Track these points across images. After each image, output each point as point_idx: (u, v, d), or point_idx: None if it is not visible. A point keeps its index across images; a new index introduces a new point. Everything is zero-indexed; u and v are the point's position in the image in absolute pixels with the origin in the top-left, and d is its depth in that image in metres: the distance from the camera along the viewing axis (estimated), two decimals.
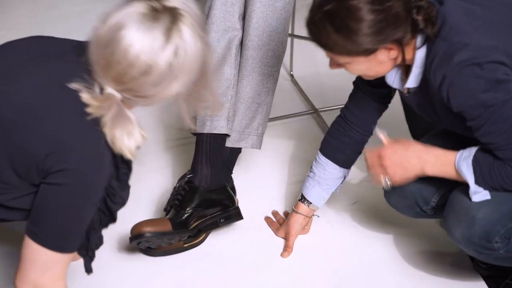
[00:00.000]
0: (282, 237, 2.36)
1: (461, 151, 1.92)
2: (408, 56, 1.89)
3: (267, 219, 2.43)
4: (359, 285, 2.23)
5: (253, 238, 2.37)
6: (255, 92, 2.35)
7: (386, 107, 2.25)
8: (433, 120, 2.02)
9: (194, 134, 2.36)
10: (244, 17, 2.35)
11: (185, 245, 2.28)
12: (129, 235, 2.20)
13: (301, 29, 3.24)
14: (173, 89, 1.65)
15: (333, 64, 1.94)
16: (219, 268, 2.26)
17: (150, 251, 2.25)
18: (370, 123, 2.24)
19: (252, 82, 2.34)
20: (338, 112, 2.86)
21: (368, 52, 1.84)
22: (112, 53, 1.60)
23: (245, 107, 2.35)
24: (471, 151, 1.90)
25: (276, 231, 2.38)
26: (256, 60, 2.33)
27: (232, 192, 2.34)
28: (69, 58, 1.68)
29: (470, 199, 1.92)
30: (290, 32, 2.94)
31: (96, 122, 1.63)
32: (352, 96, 2.26)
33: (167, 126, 2.76)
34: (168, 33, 1.60)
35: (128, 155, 1.66)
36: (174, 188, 2.31)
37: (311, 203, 2.30)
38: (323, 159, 2.27)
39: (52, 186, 1.64)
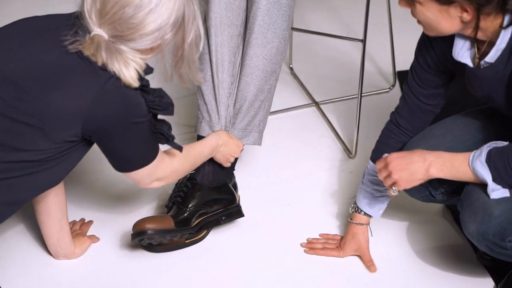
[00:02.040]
0: (353, 255, 2.26)
1: (473, 151, 1.91)
2: (483, 29, 1.86)
3: (310, 251, 2.29)
4: (364, 279, 2.22)
5: (254, 234, 2.36)
6: (258, 90, 2.34)
7: (437, 110, 2.17)
8: (489, 97, 1.98)
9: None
10: (246, 15, 2.33)
11: (186, 241, 2.27)
12: (131, 232, 2.19)
13: (300, 22, 3.26)
14: (150, 23, 1.76)
15: (404, 1, 1.90)
16: (220, 265, 2.25)
17: (151, 247, 2.24)
18: (422, 127, 2.18)
19: (256, 80, 2.33)
20: (338, 104, 2.88)
21: (444, 0, 1.82)
22: None
23: (248, 104, 2.34)
24: (482, 150, 1.89)
25: (338, 254, 2.27)
26: (260, 58, 2.32)
27: (233, 189, 2.33)
28: (61, 27, 1.81)
29: (488, 195, 1.89)
30: None
31: (104, 67, 1.78)
32: (402, 101, 2.19)
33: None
34: None
35: (132, 83, 1.79)
36: (176, 184, 2.30)
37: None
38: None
39: (106, 137, 1.86)
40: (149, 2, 1.75)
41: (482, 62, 1.92)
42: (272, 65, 2.34)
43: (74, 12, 1.83)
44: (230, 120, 2.33)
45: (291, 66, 3.07)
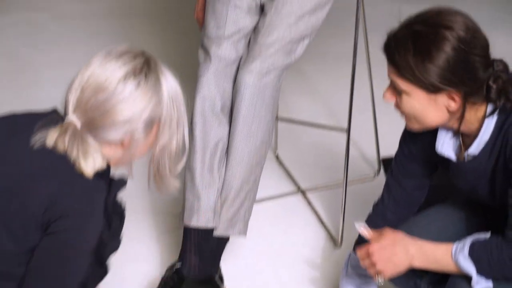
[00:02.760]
0: None
1: (455, 244, 1.92)
2: (466, 121, 1.88)
3: None
4: None
5: None
6: (244, 181, 2.35)
7: (422, 199, 2.20)
8: (473, 189, 2.00)
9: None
10: (229, 113, 2.36)
11: None
12: None
13: (284, 107, 3.29)
14: (120, 112, 1.73)
15: (389, 93, 1.91)
16: None
17: None
18: (407, 218, 2.19)
19: (241, 171, 2.34)
20: (323, 192, 2.89)
21: (432, 89, 1.83)
22: (80, 79, 1.75)
23: (234, 196, 2.35)
24: (464, 243, 1.91)
25: None
26: (245, 151, 2.33)
27: (220, 282, 2.33)
28: (36, 123, 1.77)
29: (472, 287, 1.90)
30: None
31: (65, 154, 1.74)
32: (386, 192, 2.21)
33: (156, 213, 2.75)
34: (138, 70, 1.75)
35: (86, 170, 1.72)
36: (162, 278, 2.30)
37: None
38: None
39: (50, 235, 1.70)
40: (122, 91, 1.73)
41: (465, 155, 1.94)
42: (257, 157, 2.36)
43: (54, 109, 1.82)
44: (218, 202, 2.34)
45: (276, 153, 3.10)
